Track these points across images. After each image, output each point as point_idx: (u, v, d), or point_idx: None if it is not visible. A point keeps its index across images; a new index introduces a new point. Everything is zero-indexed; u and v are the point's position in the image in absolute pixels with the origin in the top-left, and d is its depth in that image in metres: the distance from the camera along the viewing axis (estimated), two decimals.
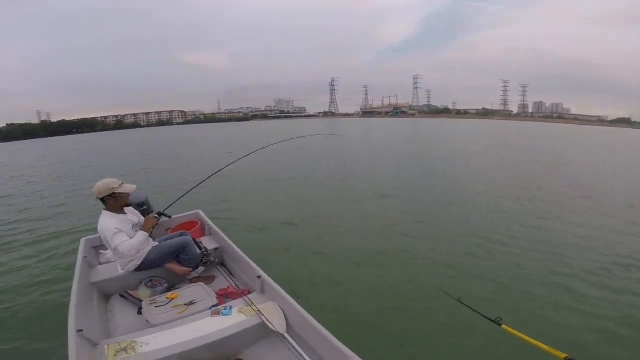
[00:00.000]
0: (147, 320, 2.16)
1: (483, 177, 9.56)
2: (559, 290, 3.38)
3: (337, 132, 25.20)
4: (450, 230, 5.12)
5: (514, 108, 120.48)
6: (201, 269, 2.91)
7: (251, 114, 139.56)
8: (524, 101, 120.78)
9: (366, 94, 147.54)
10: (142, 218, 2.86)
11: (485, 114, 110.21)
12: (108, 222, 2.51)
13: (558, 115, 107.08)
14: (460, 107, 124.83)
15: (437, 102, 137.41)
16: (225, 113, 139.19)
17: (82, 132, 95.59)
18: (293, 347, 1.89)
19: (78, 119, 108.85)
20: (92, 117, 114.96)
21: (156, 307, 2.28)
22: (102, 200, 2.58)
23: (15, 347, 2.76)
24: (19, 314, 3.26)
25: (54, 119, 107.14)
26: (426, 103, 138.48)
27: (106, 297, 2.71)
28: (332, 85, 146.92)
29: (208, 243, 3.24)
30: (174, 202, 3.16)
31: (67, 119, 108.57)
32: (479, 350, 2.51)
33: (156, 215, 2.81)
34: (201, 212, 3.92)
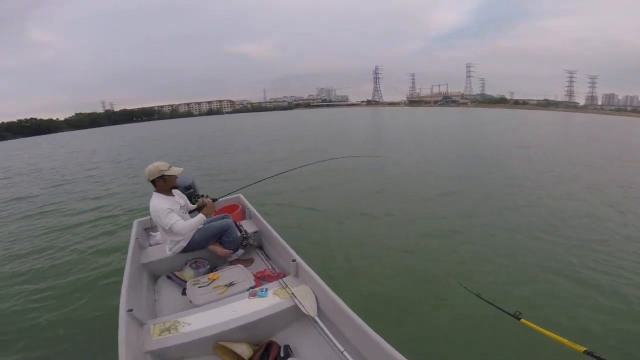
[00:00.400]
0: (190, 301, 2.27)
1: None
2: (583, 287, 3.28)
3: (382, 130, 24.21)
4: (494, 225, 4.84)
5: (581, 100, 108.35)
6: (241, 251, 3.01)
7: (294, 102, 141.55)
8: (592, 93, 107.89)
9: (413, 82, 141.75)
10: (188, 201, 2.98)
11: (547, 105, 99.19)
12: (159, 202, 2.63)
13: (632, 109, 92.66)
14: (518, 97, 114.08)
15: (492, 92, 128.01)
16: (270, 102, 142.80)
17: (141, 120, 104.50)
18: (323, 330, 1.91)
19: (138, 108, 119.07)
20: (149, 106, 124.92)
21: (199, 287, 2.40)
22: (153, 182, 2.70)
23: (70, 322, 3.01)
24: (74, 292, 3.52)
25: (117, 108, 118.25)
26: (480, 92, 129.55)
27: (154, 277, 2.87)
28: (376, 73, 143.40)
29: (248, 226, 3.33)
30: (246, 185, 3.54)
31: (127, 107, 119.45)
32: (499, 344, 2.52)
33: (210, 200, 2.98)
34: (242, 196, 4.04)
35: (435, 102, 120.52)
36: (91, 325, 2.91)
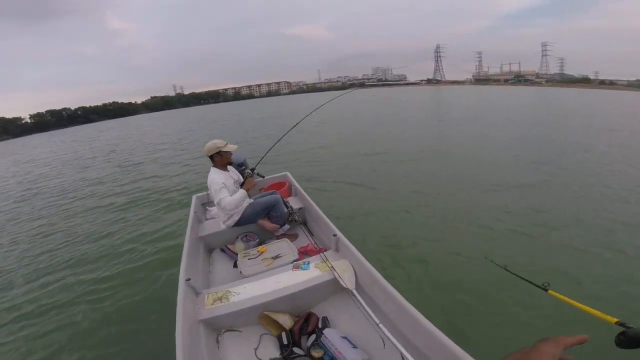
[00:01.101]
0: (240, 272, 2.41)
1: None
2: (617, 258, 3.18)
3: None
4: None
5: None
6: (287, 226, 3.13)
7: (349, 82, 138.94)
8: None
9: (480, 61, 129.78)
10: (241, 177, 3.15)
11: (639, 85, 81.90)
12: (216, 177, 2.81)
13: None
14: (604, 77, 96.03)
15: (573, 72, 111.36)
16: (325, 83, 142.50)
17: (208, 102, 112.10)
18: (360, 303, 1.93)
19: (205, 91, 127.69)
20: (215, 89, 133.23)
21: (248, 259, 2.56)
22: (211, 157, 2.90)
23: (135, 289, 3.31)
24: (141, 261, 3.87)
25: (186, 92, 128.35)
26: (558, 72, 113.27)
27: (209, 250, 3.06)
28: (437, 52, 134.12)
29: (294, 203, 3.46)
30: (262, 158, 3.63)
31: (195, 91, 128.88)
32: (529, 316, 2.49)
33: (251, 173, 3.14)
34: (289, 174, 4.16)
35: (506, 80, 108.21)
36: (149, 294, 3.20)
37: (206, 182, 2.88)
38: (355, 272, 2.16)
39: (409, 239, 3.82)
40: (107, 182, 8.53)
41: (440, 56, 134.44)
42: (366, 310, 1.86)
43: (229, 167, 3.06)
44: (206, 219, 3.46)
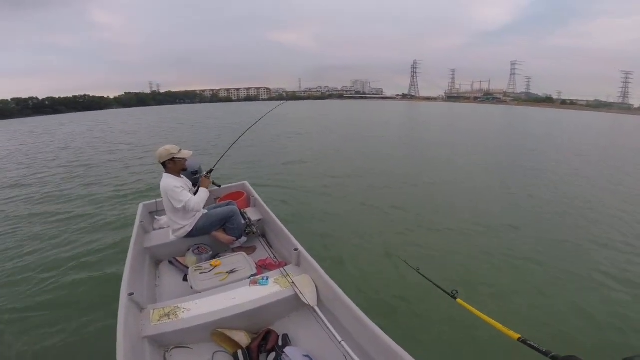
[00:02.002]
0: (191, 287, 2.30)
1: None
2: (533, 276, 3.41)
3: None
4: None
5: (636, 102, 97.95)
6: (244, 239, 3.05)
7: (328, 93, 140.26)
8: None
9: (453, 78, 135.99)
10: (192, 187, 3.00)
11: (597, 105, 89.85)
12: (172, 181, 2.69)
13: None
14: (566, 97, 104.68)
15: (538, 91, 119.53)
16: (305, 91, 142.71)
17: (184, 102, 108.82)
18: (322, 320, 1.90)
19: (182, 91, 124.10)
20: (192, 89, 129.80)
21: (200, 273, 2.43)
22: (163, 164, 2.76)
23: (73, 304, 2.99)
24: (75, 274, 3.46)
25: (162, 90, 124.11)
26: (525, 90, 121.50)
27: (156, 262, 2.87)
28: (414, 67, 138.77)
29: (252, 214, 3.32)
30: (218, 161, 3.56)
31: (172, 90, 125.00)
32: (434, 321, 2.62)
33: (206, 174, 3.09)
34: (247, 184, 4.01)
35: (475, 98, 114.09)
36: (90, 307, 2.90)
37: (155, 189, 2.79)
38: (317, 288, 2.13)
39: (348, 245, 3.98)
40: (47, 185, 7.57)
41: (416, 72, 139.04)
42: (328, 327, 1.84)
43: (182, 174, 2.93)
44: (154, 229, 3.28)
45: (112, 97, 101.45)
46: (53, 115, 63.01)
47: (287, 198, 5.84)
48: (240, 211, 3.12)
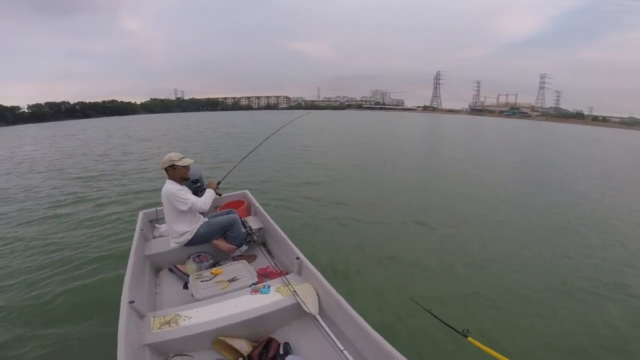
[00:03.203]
0: (191, 294, 2.29)
1: None
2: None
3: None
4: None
5: None
6: (244, 247, 3.04)
7: (347, 103, 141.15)
8: None
9: (478, 90, 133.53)
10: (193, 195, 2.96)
11: (632, 123, 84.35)
12: (174, 186, 2.74)
13: None
14: (598, 113, 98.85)
15: (568, 106, 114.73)
16: (324, 101, 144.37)
17: (206, 110, 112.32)
18: (324, 329, 1.90)
19: (205, 98, 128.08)
20: (214, 97, 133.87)
21: (201, 281, 2.42)
22: (165, 170, 2.82)
23: (73, 312, 2.96)
24: (76, 281, 3.44)
25: (187, 97, 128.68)
26: (554, 105, 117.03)
27: (157, 270, 2.90)
28: (436, 78, 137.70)
29: (253, 223, 3.33)
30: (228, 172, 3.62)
31: (196, 97, 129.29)
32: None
33: (216, 186, 3.11)
34: (248, 193, 4.03)
35: (501, 112, 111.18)
36: (90, 315, 2.88)
37: (155, 197, 2.78)
38: (318, 296, 2.12)
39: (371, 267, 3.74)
40: (48, 192, 7.52)
41: (439, 83, 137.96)
42: (330, 336, 1.84)
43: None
44: (154, 237, 3.30)
45: (138, 102, 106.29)
46: (82, 120, 66.42)
47: (294, 207, 5.76)
48: (241, 220, 3.12)
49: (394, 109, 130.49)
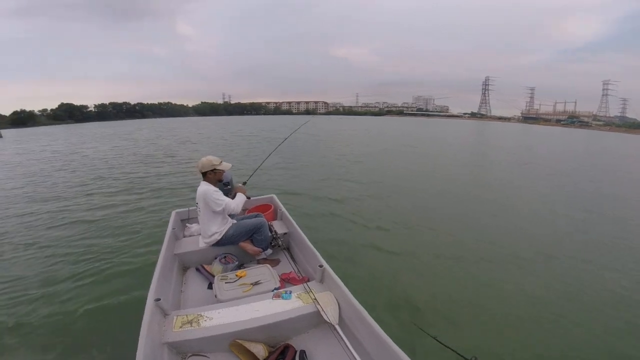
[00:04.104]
0: (215, 295, 2.32)
1: None
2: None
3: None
4: None
5: None
6: (269, 251, 3.06)
7: (386, 109, 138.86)
8: None
9: (532, 97, 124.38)
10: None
11: None
12: (210, 187, 2.82)
13: None
14: None
15: (636, 115, 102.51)
16: (362, 107, 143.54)
17: (250, 114, 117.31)
18: (342, 339, 1.85)
19: (249, 102, 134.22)
20: (258, 101, 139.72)
21: (225, 283, 2.46)
22: (204, 174, 2.89)
23: (101, 304, 3.05)
24: (111, 270, 3.62)
25: (233, 101, 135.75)
26: (619, 114, 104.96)
27: (184, 269, 2.94)
28: (485, 84, 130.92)
29: (278, 227, 3.35)
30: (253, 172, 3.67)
31: (241, 101, 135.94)
32: None
33: (241, 185, 3.19)
34: (275, 197, 4.07)
35: (558, 121, 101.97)
36: (117, 309, 2.98)
37: (187, 198, 2.87)
38: (339, 306, 2.08)
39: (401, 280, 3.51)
40: (94, 189, 7.90)
41: (488, 89, 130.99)
42: (348, 347, 1.79)
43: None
44: (184, 236, 3.38)
45: (190, 105, 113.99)
46: (141, 120, 72.64)
47: (319, 214, 5.63)
48: (268, 224, 3.15)
49: (438, 115, 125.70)
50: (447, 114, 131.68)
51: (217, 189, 2.85)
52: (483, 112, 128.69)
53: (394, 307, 3.04)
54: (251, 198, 3.77)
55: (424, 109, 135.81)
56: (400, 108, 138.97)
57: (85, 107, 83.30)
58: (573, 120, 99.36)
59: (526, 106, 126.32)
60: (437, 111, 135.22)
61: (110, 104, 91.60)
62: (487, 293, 3.37)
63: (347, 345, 1.80)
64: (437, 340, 1.82)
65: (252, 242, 2.97)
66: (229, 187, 3.43)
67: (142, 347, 1.62)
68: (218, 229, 2.89)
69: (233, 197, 3.03)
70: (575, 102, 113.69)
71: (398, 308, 3.04)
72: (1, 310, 3.02)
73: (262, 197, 4.17)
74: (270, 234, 3.08)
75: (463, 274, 3.73)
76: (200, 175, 2.93)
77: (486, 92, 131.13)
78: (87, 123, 65.33)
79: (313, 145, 16.73)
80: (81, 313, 2.97)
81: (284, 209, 3.68)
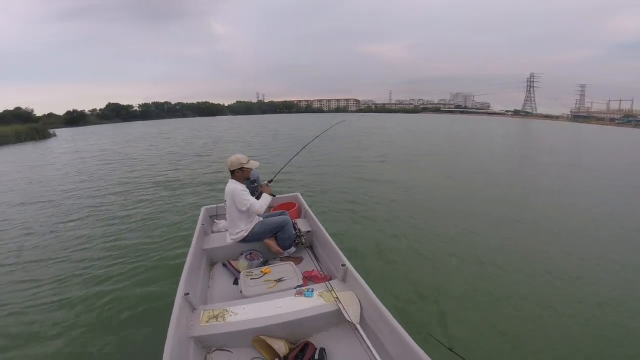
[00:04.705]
0: (240, 291, 2.40)
1: None
2: None
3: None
4: None
5: None
6: (292, 249, 3.14)
7: (422, 106, 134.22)
8: None
9: (582, 95, 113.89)
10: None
11: None
12: (237, 185, 2.92)
13: None
14: None
15: None
16: (395, 104, 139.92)
17: (282, 112, 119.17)
18: (363, 339, 1.86)
19: (281, 101, 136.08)
20: (290, 100, 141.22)
21: (251, 279, 2.54)
22: (232, 172, 2.98)
23: (132, 295, 3.19)
24: (143, 262, 3.79)
25: (266, 99, 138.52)
26: None
27: (211, 264, 3.05)
28: (530, 81, 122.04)
29: (302, 225, 3.40)
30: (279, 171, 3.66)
31: (274, 99, 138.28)
32: None
33: (267, 183, 3.25)
34: (299, 195, 4.13)
35: (612, 119, 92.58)
36: (145, 300, 3.08)
37: (217, 195, 2.99)
38: (361, 305, 2.10)
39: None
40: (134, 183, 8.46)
41: (533, 86, 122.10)
42: (369, 347, 1.79)
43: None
44: (212, 232, 3.50)
45: (226, 104, 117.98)
46: (181, 119, 76.20)
47: (340, 215, 5.58)
48: (292, 221, 3.22)
49: (478, 112, 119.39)
50: (488, 111, 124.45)
51: (244, 188, 2.94)
52: (528, 109, 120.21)
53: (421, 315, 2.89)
54: (276, 196, 3.86)
55: (463, 106, 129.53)
56: (437, 105, 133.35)
57: (131, 106, 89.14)
58: (629, 119, 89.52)
59: (576, 104, 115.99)
60: (476, 108, 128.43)
61: (153, 103, 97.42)
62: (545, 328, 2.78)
63: (367, 345, 1.80)
64: (452, 351, 1.72)
65: (276, 240, 3.06)
66: (255, 184, 3.54)
67: (170, 340, 1.67)
68: (244, 226, 2.99)
69: (259, 195, 3.12)
70: (632, 100, 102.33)
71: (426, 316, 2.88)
72: (43, 300, 3.21)
73: (286, 195, 4.27)
74: (293, 232, 3.15)
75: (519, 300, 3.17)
76: (229, 173, 3.03)
77: (531, 89, 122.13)
78: (133, 122, 69.79)
79: (346, 145, 16.24)
80: (112, 302, 3.12)
81: (307, 207, 3.75)
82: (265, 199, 3.03)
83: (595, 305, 3.15)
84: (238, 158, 2.97)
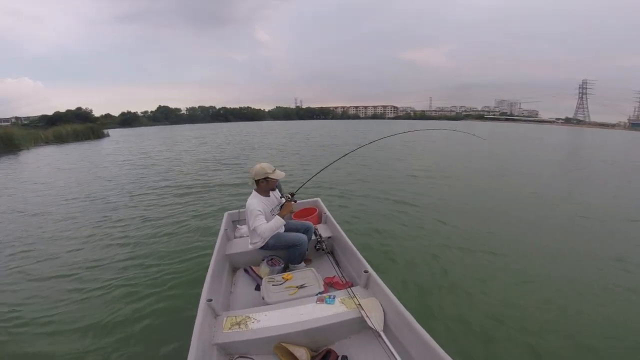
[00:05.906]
0: (262, 297, 2.37)
1: None
2: None
3: None
4: None
5: None
6: (302, 264, 3.04)
7: (464, 113, 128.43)
8: None
9: None
10: (282, 201, 3.09)
11: None
12: (255, 202, 2.78)
13: None
14: None
15: None
16: (436, 111, 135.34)
17: (319, 118, 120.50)
18: (387, 346, 1.82)
19: (318, 107, 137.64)
20: (326, 106, 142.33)
21: (273, 285, 2.52)
22: (256, 182, 2.83)
23: (154, 300, 3.09)
24: (168, 268, 3.69)
25: (304, 105, 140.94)
26: None
27: (234, 269, 3.02)
28: (582, 87, 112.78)
29: (323, 231, 3.35)
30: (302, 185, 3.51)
31: (311, 105, 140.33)
32: None
33: (290, 198, 3.03)
34: (320, 201, 4.09)
35: None
36: (168, 306, 3.00)
37: (239, 200, 2.98)
38: (384, 312, 2.06)
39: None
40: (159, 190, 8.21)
41: (585, 93, 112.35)
42: (393, 354, 1.75)
43: (273, 192, 3.03)
44: (235, 237, 3.49)
45: (266, 109, 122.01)
46: (225, 123, 78.65)
47: (361, 220, 5.39)
48: (313, 228, 3.20)
49: (524, 120, 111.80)
50: (536, 119, 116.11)
51: (260, 208, 2.77)
52: (580, 117, 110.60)
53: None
54: (297, 202, 3.59)
55: (509, 113, 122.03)
56: (481, 112, 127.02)
57: (179, 110, 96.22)
58: None
59: (635, 111, 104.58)
60: (524, 116, 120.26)
61: (199, 107, 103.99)
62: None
63: (392, 352, 1.76)
64: None
65: (287, 252, 2.96)
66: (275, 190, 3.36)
67: (194, 348, 1.66)
68: (259, 238, 2.87)
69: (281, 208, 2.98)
70: None
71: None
72: (69, 302, 3.20)
73: (307, 200, 4.21)
74: (314, 237, 3.13)
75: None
76: (253, 183, 2.90)
77: (584, 96, 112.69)
78: (180, 125, 73.70)
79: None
80: (139, 303, 3.10)
81: (328, 213, 3.70)
82: (275, 223, 2.79)
83: None
84: (263, 167, 2.81)
